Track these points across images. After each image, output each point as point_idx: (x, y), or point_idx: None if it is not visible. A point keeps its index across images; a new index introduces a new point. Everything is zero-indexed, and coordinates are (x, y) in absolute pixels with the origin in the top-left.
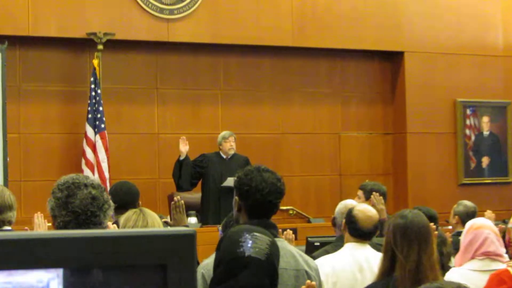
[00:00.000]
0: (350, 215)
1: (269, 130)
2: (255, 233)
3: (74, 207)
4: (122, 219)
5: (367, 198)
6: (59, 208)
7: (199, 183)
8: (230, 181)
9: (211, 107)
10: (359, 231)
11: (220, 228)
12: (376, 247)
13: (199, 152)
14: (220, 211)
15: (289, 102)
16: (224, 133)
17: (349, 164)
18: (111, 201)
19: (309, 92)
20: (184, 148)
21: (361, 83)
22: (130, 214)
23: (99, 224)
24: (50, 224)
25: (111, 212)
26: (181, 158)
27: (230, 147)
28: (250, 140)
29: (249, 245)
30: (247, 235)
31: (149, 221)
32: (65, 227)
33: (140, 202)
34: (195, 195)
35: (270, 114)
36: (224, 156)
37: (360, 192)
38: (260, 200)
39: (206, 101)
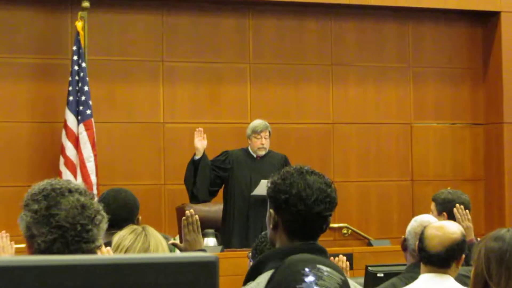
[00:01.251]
0: (422, 236)
1: (315, 119)
2: (321, 267)
3: (59, 220)
4: (116, 238)
5: (441, 212)
6: (38, 224)
7: (220, 192)
8: (262, 188)
9: (236, 87)
10: (434, 257)
11: (249, 254)
12: (462, 279)
13: (221, 148)
14: (249, 229)
15: (343, 80)
16: (255, 123)
17: (424, 165)
18: (104, 212)
19: (370, 67)
20: (200, 143)
21: (440, 55)
22: (126, 232)
23: (93, 242)
24: (20, 246)
25: (105, 225)
26: (196, 157)
27: (261, 145)
28: (289, 133)
29: (311, 280)
30: (309, 268)
31: (152, 243)
32: (48, 249)
33: (139, 217)
34: (214, 208)
35: (317, 96)
36: (255, 155)
37: (432, 205)
38: (304, 213)
39: (230, 79)
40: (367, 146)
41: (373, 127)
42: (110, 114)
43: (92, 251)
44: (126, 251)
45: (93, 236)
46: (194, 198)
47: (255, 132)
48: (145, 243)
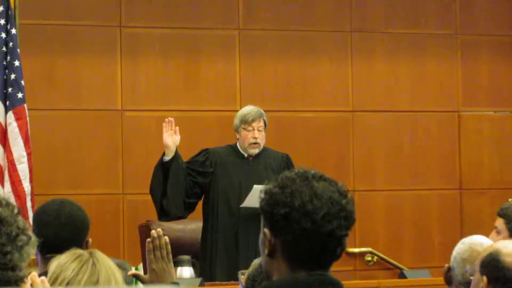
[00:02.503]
0: (496, 265)
1: (329, 105)
2: None
3: None
4: (53, 266)
5: None
6: None
7: (199, 205)
8: (255, 197)
9: (221, 61)
10: None
11: (241, 276)
12: None
13: (200, 146)
14: (238, 255)
15: (367, 53)
16: (245, 111)
17: (476, 168)
18: (31, 233)
19: (403, 35)
20: (171, 139)
21: (499, 19)
22: (67, 259)
23: (12, 270)
24: None
25: (32, 250)
26: (167, 158)
27: (253, 139)
28: (293, 124)
29: None
30: None
31: (102, 274)
32: None
33: (89, 240)
34: (190, 227)
35: (331, 75)
36: (245, 154)
37: (499, 222)
38: (311, 233)
39: (212, 51)
40: (398, 143)
41: (406, 117)
42: (49, 98)
43: (13, 282)
44: (67, 285)
45: (12, 261)
46: (164, 214)
47: (245, 122)
48: (94, 275)
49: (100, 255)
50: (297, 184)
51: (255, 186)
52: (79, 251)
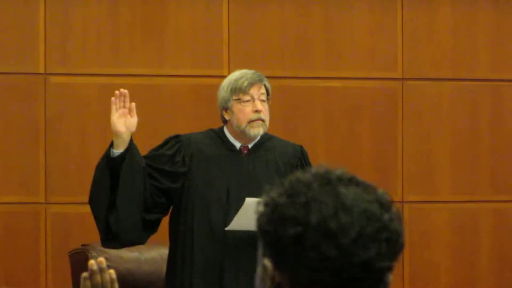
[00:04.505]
0: None
1: (366, 71)
2: None
3: None
4: None
5: None
6: None
7: (163, 223)
8: (248, 214)
9: (200, 3)
10: None
11: None
12: None
13: (166, 131)
14: None
15: None
16: (236, 75)
17: None
18: None
19: None
20: (121, 122)
21: None
22: None
23: None
24: None
25: None
26: (116, 151)
27: (255, 113)
28: (310, 97)
29: None
30: None
31: None
32: None
33: None
34: (150, 255)
35: (370, 27)
36: (237, 144)
37: None
38: (336, 264)
39: None
40: (472, 129)
41: (486, 88)
42: None
43: None
44: None
45: None
46: (111, 237)
47: (239, 89)
48: None
49: None
50: (314, 190)
51: (247, 200)
52: None
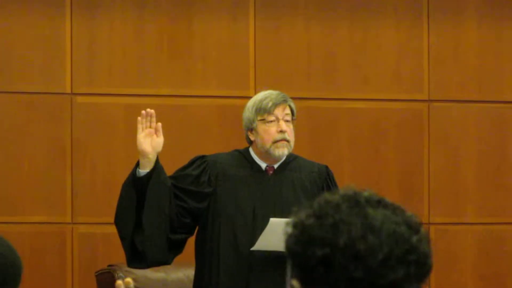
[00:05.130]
0: None
1: (391, 93)
2: None
3: None
4: None
5: None
6: None
7: (189, 243)
8: (274, 235)
9: (225, 21)
10: None
11: None
12: None
13: (192, 152)
14: None
15: (453, 14)
16: (261, 96)
17: None
18: None
19: None
20: (148, 142)
21: None
22: None
23: None
24: None
25: None
26: (142, 171)
27: (280, 134)
28: (336, 119)
29: None
30: None
31: None
32: None
33: None
34: (177, 276)
35: (395, 46)
36: (263, 164)
37: None
38: (365, 284)
39: (213, 5)
40: (500, 150)
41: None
42: None
43: None
44: None
45: None
46: (137, 257)
47: (264, 110)
48: None
49: None
50: (343, 212)
51: (272, 220)
52: None
